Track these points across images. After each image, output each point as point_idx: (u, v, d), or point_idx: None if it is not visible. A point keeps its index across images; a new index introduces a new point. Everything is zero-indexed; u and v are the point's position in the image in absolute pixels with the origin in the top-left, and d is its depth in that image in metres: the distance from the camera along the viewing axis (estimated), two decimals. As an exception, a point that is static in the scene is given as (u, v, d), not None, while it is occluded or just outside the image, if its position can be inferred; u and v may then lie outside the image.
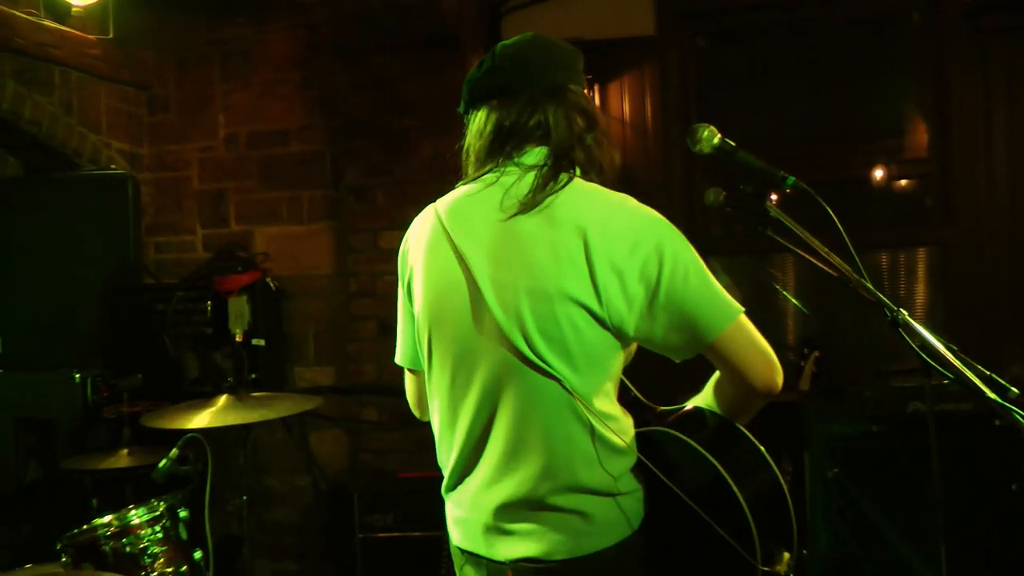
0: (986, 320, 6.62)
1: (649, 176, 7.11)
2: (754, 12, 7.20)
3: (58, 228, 5.73)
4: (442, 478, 3.09)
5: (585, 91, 3.14)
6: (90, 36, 6.33)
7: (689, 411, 3.07)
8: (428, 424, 3.22)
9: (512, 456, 2.89)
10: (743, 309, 2.81)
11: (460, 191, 3.06)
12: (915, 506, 5.30)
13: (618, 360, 2.89)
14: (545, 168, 2.93)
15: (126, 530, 4.54)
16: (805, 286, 7.11)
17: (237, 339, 6.41)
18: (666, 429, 2.93)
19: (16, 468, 5.56)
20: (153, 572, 4.57)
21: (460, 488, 3.04)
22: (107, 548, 4.49)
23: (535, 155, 2.98)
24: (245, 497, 5.19)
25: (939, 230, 6.91)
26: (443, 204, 3.08)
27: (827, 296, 6.96)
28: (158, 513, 4.66)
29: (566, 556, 2.84)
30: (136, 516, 4.59)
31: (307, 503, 6.84)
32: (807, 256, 2.98)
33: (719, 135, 3.06)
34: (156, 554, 4.59)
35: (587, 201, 2.87)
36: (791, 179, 2.98)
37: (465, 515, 3.02)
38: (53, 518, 5.22)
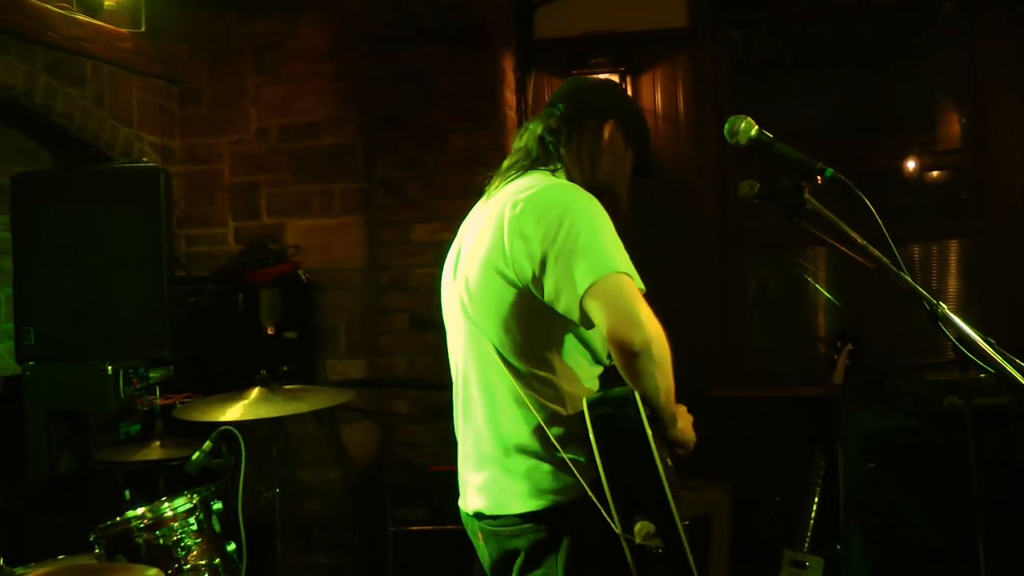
0: (1020, 312, 6.57)
1: (681, 168, 7.09)
2: (786, 3, 7.17)
3: (89, 221, 5.71)
4: None
5: (607, 125, 3.38)
6: (122, 30, 6.34)
7: (611, 389, 3.08)
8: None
9: (467, 412, 3.28)
10: (622, 270, 2.92)
11: None
12: (952, 502, 5.26)
13: (543, 324, 3.06)
14: (519, 163, 3.35)
15: (160, 522, 4.55)
16: (837, 279, 7.08)
17: (269, 332, 6.41)
18: (584, 401, 2.99)
19: (49, 459, 5.56)
20: (187, 564, 4.58)
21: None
22: (140, 540, 4.50)
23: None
24: (278, 489, 5.18)
25: (972, 222, 6.87)
26: None
27: (860, 289, 6.93)
28: (192, 505, 4.67)
29: (497, 512, 3.14)
30: (169, 508, 4.60)
31: (339, 496, 6.83)
32: (844, 249, 2.96)
33: (756, 127, 3.06)
34: (189, 546, 4.60)
35: (521, 184, 3.21)
36: (829, 171, 2.98)
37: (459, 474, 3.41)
38: (85, 509, 5.21)
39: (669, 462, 3.03)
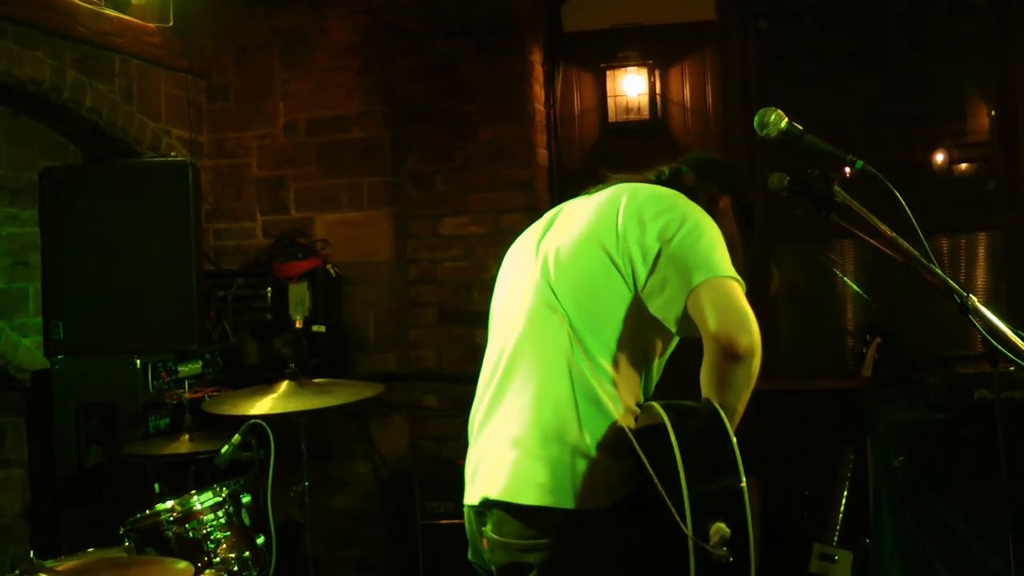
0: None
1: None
2: (814, -6, 7.16)
3: (118, 215, 5.73)
4: None
5: (723, 198, 3.38)
6: (150, 24, 6.36)
7: (689, 402, 2.97)
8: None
9: (499, 396, 3.11)
10: (735, 276, 2.90)
11: None
12: (982, 496, 5.23)
13: (630, 322, 2.98)
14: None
15: (189, 515, 4.57)
16: (866, 272, 7.05)
17: (297, 325, 6.42)
18: (657, 406, 2.89)
19: (78, 453, 5.58)
20: (216, 557, 4.59)
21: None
22: (170, 533, 4.52)
23: None
24: (307, 483, 5.18)
25: (1001, 214, 6.83)
26: None
27: (888, 282, 6.90)
28: (221, 499, 4.69)
29: (507, 498, 2.96)
30: (199, 501, 4.62)
31: (368, 490, 6.84)
32: (873, 241, 2.95)
33: (787, 119, 3.06)
34: (219, 539, 4.62)
35: (637, 183, 3.21)
36: (860, 163, 2.98)
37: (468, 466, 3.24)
38: (115, 502, 5.23)
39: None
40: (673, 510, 2.70)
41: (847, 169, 3.02)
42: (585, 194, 3.31)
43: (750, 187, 3.49)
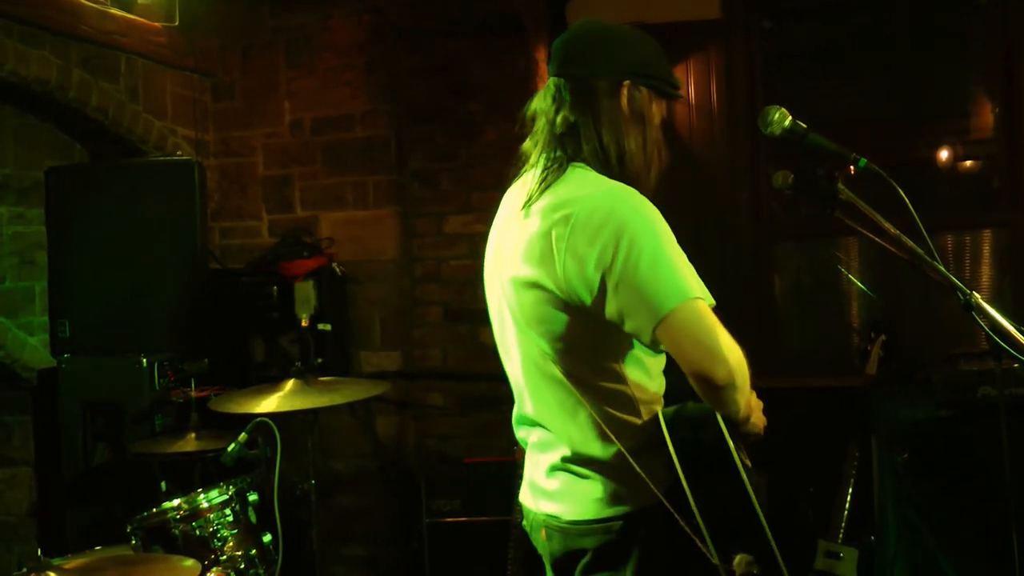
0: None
1: (715, 160, 7.08)
2: (819, -8, 7.16)
3: (124, 214, 5.74)
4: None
5: (622, 88, 3.10)
6: (155, 24, 6.36)
7: (686, 406, 2.99)
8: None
9: (531, 412, 3.14)
10: (697, 296, 2.77)
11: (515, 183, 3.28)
12: (986, 493, 5.23)
13: (608, 339, 2.93)
14: (553, 165, 3.06)
15: (196, 513, 4.59)
16: (871, 269, 7.05)
17: (303, 324, 6.42)
18: (662, 419, 2.92)
19: (84, 451, 5.60)
20: (223, 555, 4.61)
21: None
22: (177, 531, 4.54)
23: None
24: (313, 481, 5.19)
25: (1005, 211, 6.83)
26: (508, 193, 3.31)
27: (893, 279, 6.90)
28: (228, 497, 4.71)
29: (575, 519, 3.03)
30: (206, 499, 4.63)
31: (373, 488, 6.84)
32: (877, 239, 2.95)
33: (790, 117, 3.06)
34: (226, 537, 4.64)
35: (564, 193, 2.95)
36: (863, 161, 2.98)
37: (525, 472, 3.29)
38: (122, 501, 5.25)
39: (748, 462, 3.00)
40: (696, 540, 2.77)
41: (851, 167, 3.03)
42: (516, 189, 3.22)
43: (636, 38, 3.20)
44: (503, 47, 6.84)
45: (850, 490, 5.95)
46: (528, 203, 3.02)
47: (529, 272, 2.95)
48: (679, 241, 2.83)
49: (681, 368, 2.79)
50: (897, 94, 7.05)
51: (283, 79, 7.00)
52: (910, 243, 2.90)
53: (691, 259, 2.82)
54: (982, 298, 2.82)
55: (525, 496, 3.29)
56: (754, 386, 2.95)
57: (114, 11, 6.01)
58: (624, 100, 3.08)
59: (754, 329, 6.98)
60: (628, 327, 2.81)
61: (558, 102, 3.10)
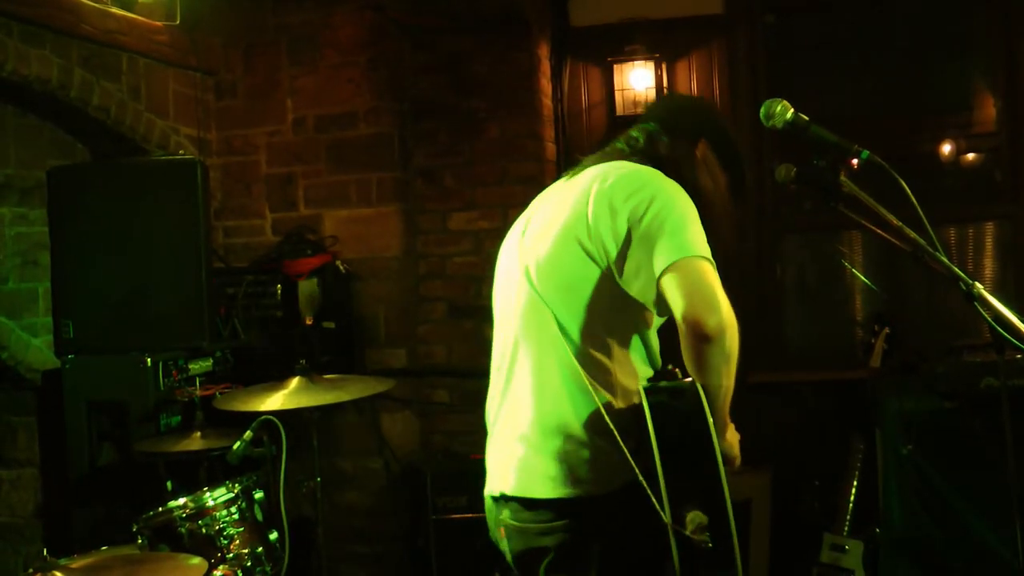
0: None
1: (718, 155, 7.06)
2: (822, -14, 7.14)
3: (127, 213, 5.73)
4: None
5: (700, 144, 3.35)
6: (157, 23, 6.36)
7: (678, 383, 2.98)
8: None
9: (508, 389, 3.18)
10: (704, 255, 2.88)
11: None
12: (990, 483, 5.22)
13: (612, 306, 3.01)
14: (612, 151, 3.31)
15: (202, 512, 4.58)
16: (874, 262, 7.04)
17: (307, 322, 6.43)
18: (642, 392, 2.91)
19: (90, 451, 5.59)
20: (229, 553, 4.60)
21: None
22: (183, 530, 4.54)
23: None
24: (319, 479, 5.19)
25: (1008, 204, 6.82)
26: None
27: (897, 272, 6.89)
28: (233, 495, 4.71)
29: (521, 494, 3.07)
30: (211, 498, 4.63)
31: (380, 485, 6.86)
32: (880, 232, 2.95)
33: (792, 110, 3.08)
34: (232, 535, 4.63)
35: (614, 164, 3.18)
36: (866, 153, 2.99)
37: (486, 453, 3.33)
38: (128, 500, 5.24)
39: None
40: (652, 497, 2.77)
41: (854, 161, 3.02)
42: (565, 176, 3.33)
43: (723, 121, 3.54)
44: (506, 43, 6.82)
45: (855, 483, 5.93)
46: (574, 172, 3.24)
47: (563, 220, 3.08)
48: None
49: (675, 317, 2.85)
50: (901, 87, 7.04)
51: (286, 77, 7.00)
52: (912, 235, 2.90)
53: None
54: (985, 290, 2.82)
55: (487, 484, 3.29)
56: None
57: (115, 10, 6.01)
58: (700, 153, 3.33)
59: (759, 323, 6.97)
60: (638, 283, 2.92)
61: (642, 131, 3.34)
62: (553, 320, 3.04)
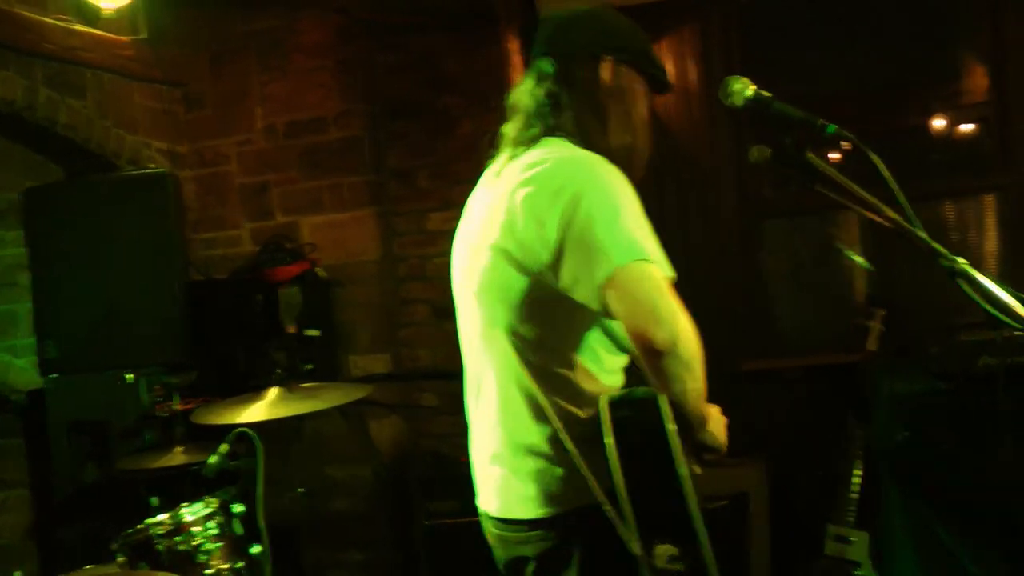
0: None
1: (694, 140, 7.02)
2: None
3: (102, 230, 5.74)
4: None
5: (604, 65, 3.13)
6: (121, 37, 6.35)
7: (636, 390, 2.89)
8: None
9: (478, 403, 3.12)
10: (646, 257, 2.72)
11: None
12: (987, 463, 5.18)
13: (560, 314, 2.88)
14: (526, 136, 3.08)
15: (179, 528, 4.55)
16: (868, 244, 6.98)
17: (289, 331, 6.40)
18: (603, 401, 2.82)
19: (73, 471, 5.58)
20: (209, 569, 4.57)
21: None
22: (161, 547, 4.51)
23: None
24: (301, 489, 5.16)
25: (999, 175, 6.76)
26: None
27: (891, 253, 6.83)
28: (211, 509, 4.67)
29: (505, 516, 3.04)
30: (189, 513, 4.60)
31: (369, 491, 6.82)
32: (859, 210, 2.90)
33: (753, 87, 2.98)
34: (210, 551, 4.60)
35: (531, 157, 2.95)
36: (832, 127, 2.89)
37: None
38: (112, 518, 5.22)
39: (697, 470, 2.92)
40: (620, 524, 2.72)
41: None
42: (493, 166, 3.17)
43: (621, 21, 3.25)
44: (476, 39, 6.79)
45: (855, 471, 5.84)
46: (498, 171, 3.05)
47: (494, 235, 2.93)
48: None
49: (626, 332, 2.75)
50: (885, 61, 6.96)
51: (256, 84, 6.99)
52: (890, 212, 2.84)
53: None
54: (984, 264, 2.78)
55: (478, 498, 3.23)
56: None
57: (78, 27, 5.99)
58: (606, 75, 3.11)
59: (748, 310, 6.94)
60: (579, 294, 2.77)
61: (540, 79, 3.13)
62: (505, 339, 2.93)
